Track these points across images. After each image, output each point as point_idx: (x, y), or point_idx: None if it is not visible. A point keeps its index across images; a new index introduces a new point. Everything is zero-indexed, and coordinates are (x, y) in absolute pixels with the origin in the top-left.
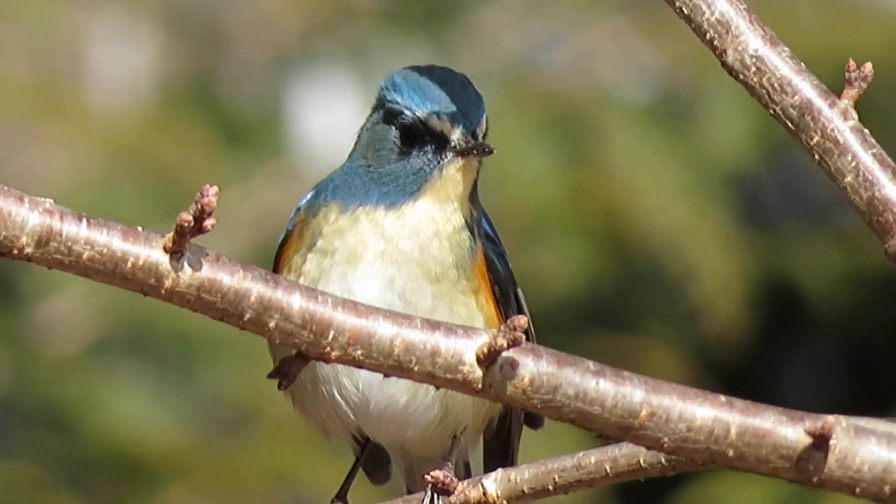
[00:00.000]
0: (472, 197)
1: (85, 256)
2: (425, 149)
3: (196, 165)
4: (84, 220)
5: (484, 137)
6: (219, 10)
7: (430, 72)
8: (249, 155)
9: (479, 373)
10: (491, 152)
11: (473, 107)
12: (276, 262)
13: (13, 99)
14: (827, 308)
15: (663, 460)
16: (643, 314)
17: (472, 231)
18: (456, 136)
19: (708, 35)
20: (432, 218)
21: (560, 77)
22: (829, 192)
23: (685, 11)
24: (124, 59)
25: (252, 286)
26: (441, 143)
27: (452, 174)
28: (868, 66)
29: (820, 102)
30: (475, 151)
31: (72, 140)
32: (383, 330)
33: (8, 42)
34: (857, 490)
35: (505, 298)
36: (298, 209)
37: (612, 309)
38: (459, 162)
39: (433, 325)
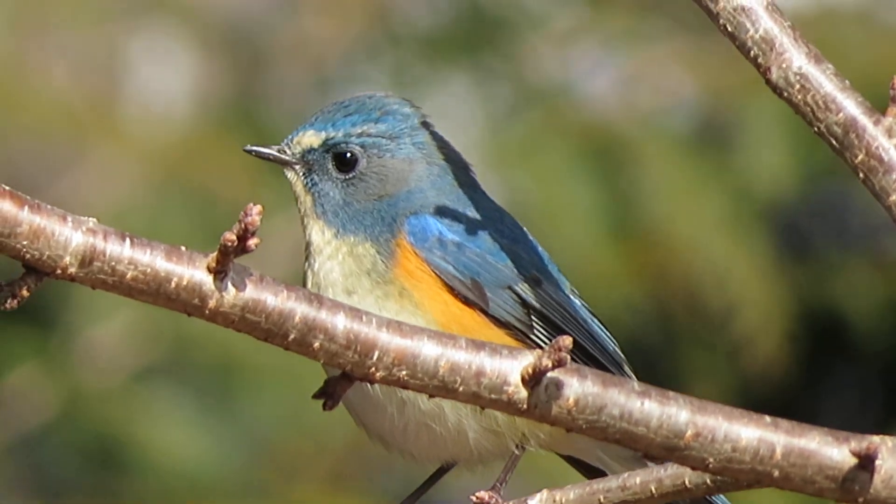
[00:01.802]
0: (358, 201)
1: (128, 276)
2: None
3: (238, 188)
4: (127, 240)
5: (324, 154)
6: (261, 31)
7: (357, 96)
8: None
9: (524, 393)
10: (281, 162)
11: (309, 121)
12: None
13: (56, 120)
14: (869, 337)
15: (709, 481)
16: (683, 349)
17: (370, 238)
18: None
19: (752, 52)
20: (315, 240)
21: (600, 106)
22: (868, 220)
23: (729, 29)
24: (166, 80)
25: (296, 306)
26: None
27: (294, 189)
28: None
29: (864, 120)
30: (271, 159)
31: (114, 162)
32: (428, 350)
33: (50, 62)
34: None
35: (480, 295)
36: None
37: (652, 344)
38: (288, 175)
39: (478, 345)
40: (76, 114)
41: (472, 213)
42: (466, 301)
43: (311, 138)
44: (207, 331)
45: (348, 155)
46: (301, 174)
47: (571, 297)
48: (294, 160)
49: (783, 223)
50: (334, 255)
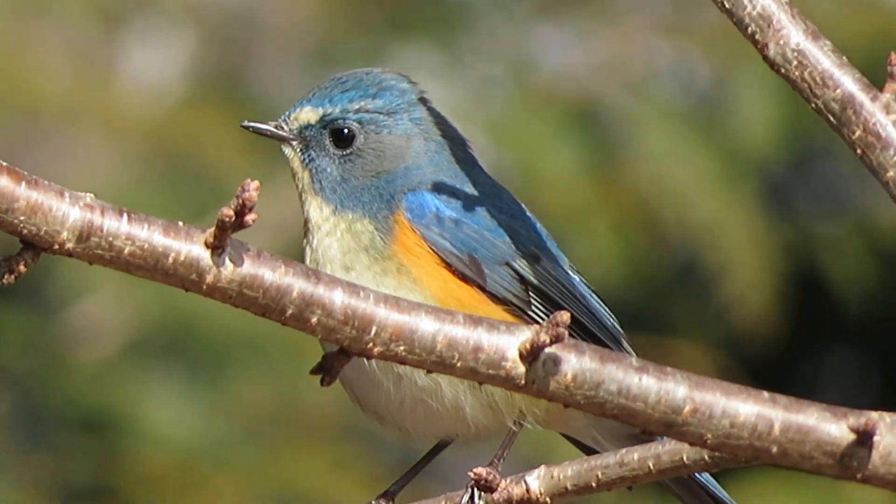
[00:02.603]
0: (354, 176)
1: (126, 252)
2: None
3: (230, 165)
4: (125, 215)
5: (321, 130)
6: (245, 14)
7: (353, 71)
8: (275, 158)
9: (521, 369)
10: (278, 138)
11: (306, 97)
12: None
13: (48, 98)
14: (855, 301)
15: (706, 457)
16: (674, 309)
17: (368, 215)
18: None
19: (749, 29)
20: (313, 216)
21: (587, 75)
22: (856, 186)
23: (727, 5)
24: (155, 60)
25: (294, 282)
26: None
27: (291, 165)
28: None
29: (862, 96)
30: (269, 135)
31: (103, 141)
32: (426, 326)
33: (42, 44)
34: None
35: (477, 271)
36: None
37: (642, 304)
38: (285, 151)
39: (476, 320)
40: (68, 92)
41: (469, 189)
42: (464, 277)
43: (308, 114)
44: (198, 305)
45: (345, 131)
46: (298, 150)
47: (570, 273)
48: (291, 136)
49: (772, 187)
50: (332, 232)
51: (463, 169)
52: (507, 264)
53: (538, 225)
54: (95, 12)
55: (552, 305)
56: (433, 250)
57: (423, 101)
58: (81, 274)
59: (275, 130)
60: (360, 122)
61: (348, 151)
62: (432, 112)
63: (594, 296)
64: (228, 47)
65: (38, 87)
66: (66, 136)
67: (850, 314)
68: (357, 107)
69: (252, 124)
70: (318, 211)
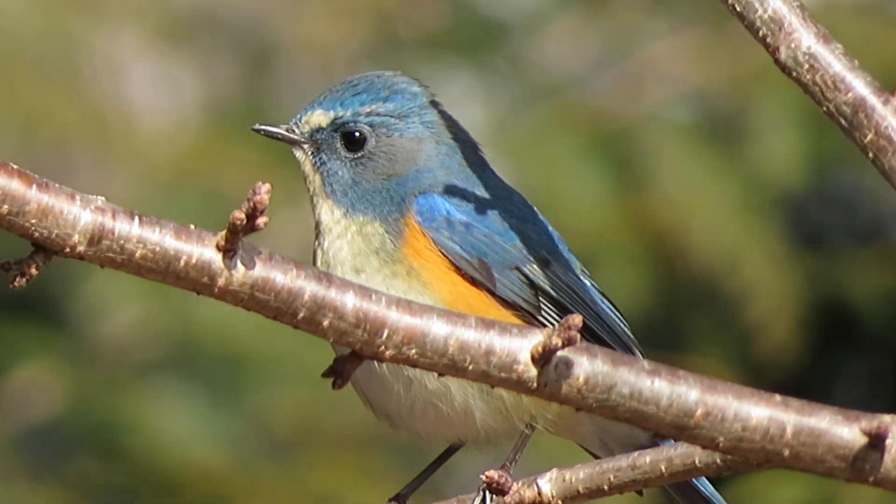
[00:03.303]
0: (368, 180)
1: (137, 255)
2: None
3: (245, 188)
4: (136, 218)
5: (332, 133)
6: (268, 34)
7: (366, 73)
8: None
9: (533, 372)
10: (289, 140)
11: (317, 100)
12: None
13: (69, 129)
14: (878, 326)
15: (718, 460)
16: (696, 335)
17: (379, 218)
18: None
19: (761, 32)
20: (324, 219)
21: (608, 98)
22: (877, 209)
23: (738, 9)
24: (172, 83)
25: (305, 285)
26: None
27: (302, 168)
28: None
29: (873, 100)
30: (279, 138)
31: (120, 164)
32: (437, 329)
33: (56, 67)
34: None
35: (487, 275)
36: None
37: (664, 330)
38: (296, 154)
39: (488, 324)
40: (83, 116)
41: (480, 192)
42: (474, 281)
43: (319, 117)
44: (215, 323)
45: (357, 134)
46: (309, 153)
47: (581, 277)
48: (302, 139)
49: (794, 212)
50: (343, 234)
51: (474, 172)
52: (518, 269)
53: (549, 228)
54: (119, 40)
55: (562, 310)
56: (443, 254)
57: (434, 104)
58: (102, 292)
59: (286, 134)
60: (371, 126)
61: (359, 154)
62: (443, 115)
63: (606, 301)
64: (252, 75)
65: (61, 116)
66: (87, 166)
67: (873, 342)
68: (368, 110)
69: (263, 127)
70: (329, 213)
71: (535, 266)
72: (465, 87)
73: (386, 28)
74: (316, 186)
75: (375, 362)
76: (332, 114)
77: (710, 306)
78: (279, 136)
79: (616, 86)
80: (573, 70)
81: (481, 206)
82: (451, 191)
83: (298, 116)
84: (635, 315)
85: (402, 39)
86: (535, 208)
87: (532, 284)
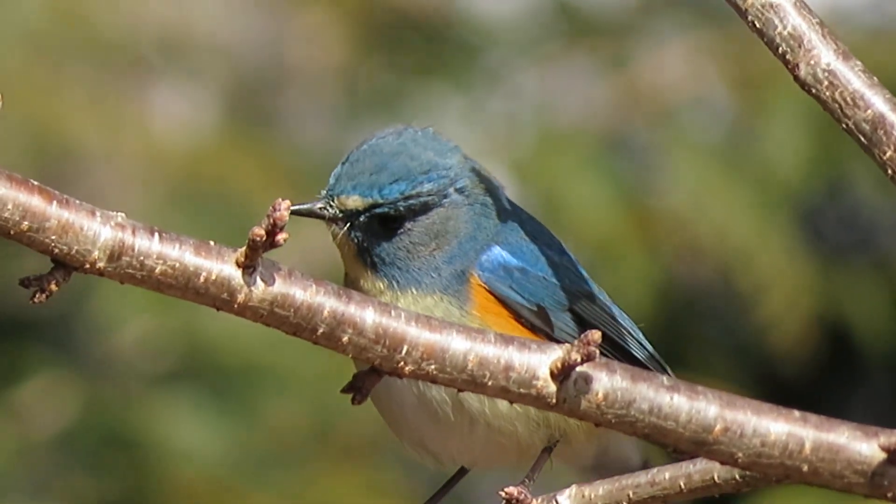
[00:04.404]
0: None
1: (157, 271)
2: None
3: (258, 206)
4: (156, 235)
5: (367, 216)
6: (274, 56)
7: (394, 136)
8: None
9: (552, 388)
10: (320, 217)
11: (351, 181)
12: None
13: (80, 141)
14: (876, 339)
15: (737, 476)
16: (707, 339)
17: (438, 290)
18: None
19: (780, 49)
20: (364, 289)
21: (613, 108)
22: (883, 221)
23: (757, 25)
24: (186, 102)
25: (325, 301)
26: None
27: (335, 241)
28: None
29: (893, 117)
30: (304, 211)
31: (135, 182)
32: (457, 345)
33: (74, 85)
34: None
35: (545, 320)
36: None
37: (678, 327)
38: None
39: (507, 339)
40: (100, 134)
41: (523, 236)
42: (533, 328)
43: (356, 202)
44: (227, 335)
45: (393, 214)
46: (344, 229)
47: (613, 306)
48: (337, 218)
49: (804, 212)
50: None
51: (509, 217)
52: (570, 309)
53: (573, 255)
54: (128, 55)
55: (609, 343)
56: (505, 304)
57: (462, 160)
58: (111, 305)
59: (319, 212)
60: (409, 209)
61: (398, 232)
62: (473, 171)
63: (629, 319)
64: (258, 88)
65: (71, 128)
66: (98, 178)
67: (874, 344)
68: (406, 196)
69: (295, 208)
70: (368, 284)
71: (583, 303)
72: (465, 103)
73: (382, 48)
74: (350, 256)
75: (437, 402)
76: (369, 200)
77: (721, 309)
78: (312, 215)
79: (620, 90)
80: (572, 83)
81: (530, 250)
82: (500, 241)
83: (332, 192)
84: (646, 320)
85: (399, 60)
86: (555, 236)
87: (582, 322)
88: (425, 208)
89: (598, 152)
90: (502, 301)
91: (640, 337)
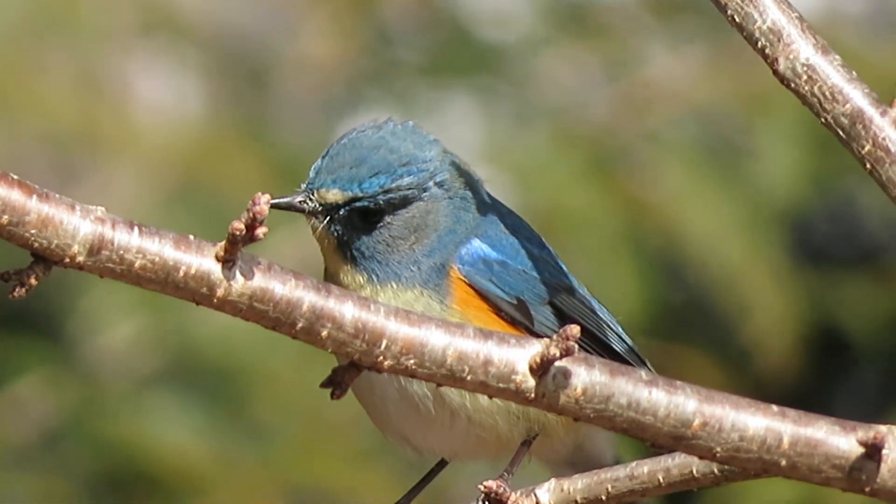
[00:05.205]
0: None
1: (137, 265)
2: None
3: (245, 196)
4: (136, 229)
5: (347, 210)
6: (264, 49)
7: (374, 130)
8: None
9: (531, 382)
10: (299, 211)
11: (331, 175)
12: None
13: (64, 126)
14: (872, 349)
15: (716, 470)
16: (694, 352)
17: (416, 282)
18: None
19: (759, 43)
20: (344, 283)
21: (609, 116)
22: (880, 235)
23: (737, 20)
24: (173, 90)
25: (304, 295)
26: None
27: (315, 235)
28: None
29: (871, 111)
30: (283, 205)
31: (120, 170)
32: (436, 339)
33: (59, 70)
34: None
35: (525, 314)
36: None
37: (664, 346)
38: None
39: (486, 334)
40: (85, 120)
41: (503, 230)
42: (513, 322)
43: (335, 195)
44: (214, 335)
45: (373, 208)
46: (324, 223)
47: (592, 299)
48: (317, 211)
49: (796, 229)
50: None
51: (488, 210)
52: (550, 303)
53: (553, 250)
54: (116, 41)
55: (590, 337)
56: (485, 298)
57: (441, 153)
58: (98, 304)
59: (299, 205)
60: (388, 202)
61: (378, 226)
62: (453, 165)
63: (613, 319)
64: (250, 76)
65: (58, 114)
66: (83, 165)
67: (871, 361)
68: (386, 189)
69: (275, 201)
70: (348, 278)
71: (563, 297)
72: (464, 106)
73: (385, 47)
74: (330, 250)
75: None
76: (349, 194)
77: (710, 323)
78: (292, 209)
79: (617, 103)
80: (573, 89)
81: (510, 244)
82: (480, 234)
83: (311, 186)
84: (636, 330)
85: (397, 64)
86: (535, 229)
87: (562, 315)
88: (405, 202)
89: (598, 160)
90: (482, 295)
91: (620, 330)
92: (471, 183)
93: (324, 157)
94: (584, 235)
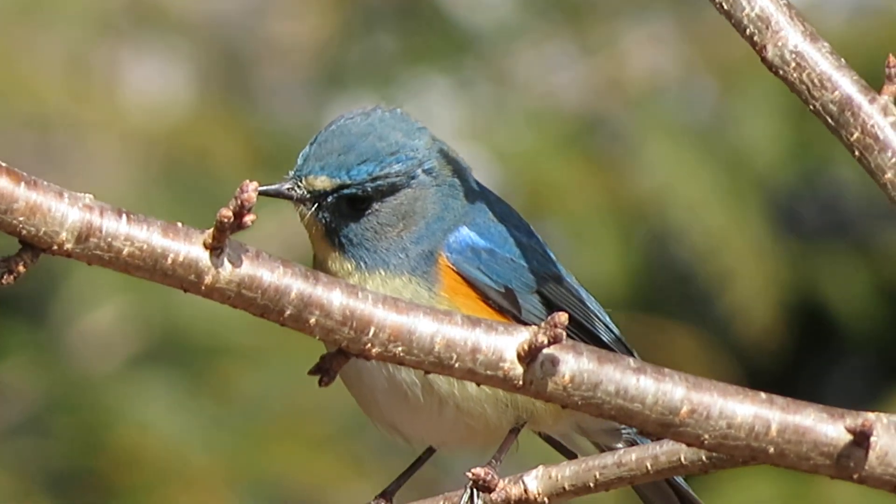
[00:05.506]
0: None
1: (125, 252)
2: None
3: (232, 179)
4: (124, 216)
5: (335, 197)
6: (251, 27)
7: (363, 117)
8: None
9: (519, 370)
10: (288, 198)
11: (319, 162)
12: None
13: (52, 110)
14: (852, 318)
15: (704, 457)
16: (676, 321)
17: (403, 269)
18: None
19: (748, 31)
20: (331, 270)
21: (590, 91)
22: (860, 206)
23: (725, 7)
24: (160, 73)
25: (292, 282)
26: None
27: (303, 221)
28: None
29: (860, 98)
30: (272, 192)
31: (108, 153)
32: (424, 327)
33: (47, 54)
34: None
35: (513, 302)
36: None
37: (647, 315)
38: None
39: (474, 321)
40: (73, 104)
41: (491, 217)
42: (501, 310)
43: (323, 182)
44: (199, 316)
45: (361, 195)
46: (311, 210)
47: (580, 288)
48: (304, 199)
49: (777, 198)
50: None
51: (476, 198)
52: (538, 291)
53: (540, 237)
54: (101, 25)
55: (577, 326)
56: (473, 285)
57: (429, 141)
58: (85, 287)
59: (286, 192)
60: (376, 189)
61: (365, 213)
62: (441, 152)
63: (595, 302)
64: (235, 60)
65: (44, 97)
66: (71, 148)
67: (852, 328)
68: (374, 177)
69: (263, 188)
70: (336, 264)
71: (551, 286)
72: (445, 86)
73: (365, 30)
74: (318, 237)
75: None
76: (337, 181)
77: (692, 292)
78: (280, 196)
79: (593, 80)
80: (550, 68)
81: (498, 232)
82: (468, 222)
83: (299, 173)
84: (620, 301)
85: (381, 42)
86: (521, 216)
87: (549, 304)
88: (393, 189)
89: (579, 136)
90: (470, 283)
91: (607, 319)
92: (459, 171)
93: (312, 144)
94: (565, 210)
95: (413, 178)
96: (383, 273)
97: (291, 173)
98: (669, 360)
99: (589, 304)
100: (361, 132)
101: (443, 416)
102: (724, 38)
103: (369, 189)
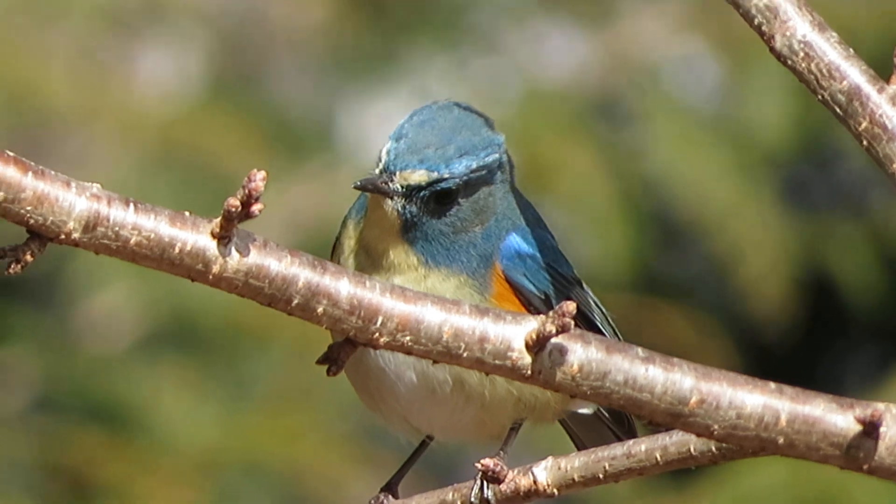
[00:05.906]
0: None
1: (132, 242)
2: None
3: (241, 169)
4: (131, 205)
5: (428, 191)
6: (257, 18)
7: (445, 111)
8: (288, 158)
9: (527, 359)
10: (384, 193)
11: (418, 155)
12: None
13: (61, 102)
14: (863, 296)
15: (713, 448)
16: (687, 294)
17: (465, 272)
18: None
19: (756, 20)
20: (394, 259)
21: (598, 70)
22: (865, 179)
23: None
24: (169, 65)
25: (300, 272)
26: None
27: (371, 208)
28: None
29: (868, 88)
30: (369, 186)
31: (117, 144)
32: (432, 316)
33: (57, 47)
34: None
35: (550, 307)
36: None
37: (659, 292)
38: (370, 196)
39: (482, 311)
40: (82, 96)
41: (529, 220)
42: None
43: (420, 176)
44: (208, 297)
45: (453, 191)
46: (398, 204)
47: (589, 291)
48: (398, 193)
49: (786, 175)
50: (419, 281)
51: (520, 200)
52: (568, 298)
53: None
54: (110, 17)
55: (589, 328)
56: (519, 292)
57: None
58: (94, 269)
59: (381, 187)
60: (466, 183)
61: (450, 208)
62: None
63: (602, 306)
64: (242, 50)
65: (53, 90)
66: (80, 140)
67: (861, 301)
68: (472, 170)
69: (359, 183)
70: (402, 256)
71: (577, 291)
72: (448, 64)
73: (366, 7)
74: (392, 230)
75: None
76: (435, 175)
77: (703, 271)
78: (378, 191)
79: (601, 53)
80: (559, 42)
81: (537, 236)
82: (516, 226)
83: (393, 166)
84: (627, 283)
85: (383, 20)
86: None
87: (579, 311)
88: (479, 184)
89: (582, 113)
90: (516, 289)
91: (614, 325)
92: (513, 167)
93: (399, 139)
94: (568, 190)
95: (493, 174)
96: (446, 271)
97: (379, 168)
98: (673, 341)
99: (601, 308)
100: (453, 126)
101: (464, 413)
102: (730, 16)
103: (465, 182)
